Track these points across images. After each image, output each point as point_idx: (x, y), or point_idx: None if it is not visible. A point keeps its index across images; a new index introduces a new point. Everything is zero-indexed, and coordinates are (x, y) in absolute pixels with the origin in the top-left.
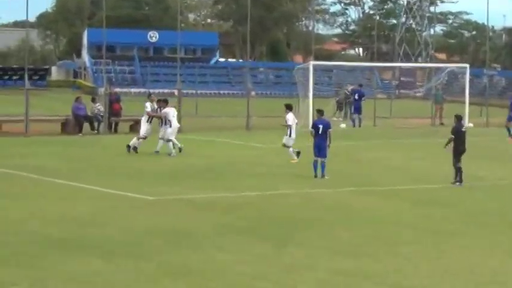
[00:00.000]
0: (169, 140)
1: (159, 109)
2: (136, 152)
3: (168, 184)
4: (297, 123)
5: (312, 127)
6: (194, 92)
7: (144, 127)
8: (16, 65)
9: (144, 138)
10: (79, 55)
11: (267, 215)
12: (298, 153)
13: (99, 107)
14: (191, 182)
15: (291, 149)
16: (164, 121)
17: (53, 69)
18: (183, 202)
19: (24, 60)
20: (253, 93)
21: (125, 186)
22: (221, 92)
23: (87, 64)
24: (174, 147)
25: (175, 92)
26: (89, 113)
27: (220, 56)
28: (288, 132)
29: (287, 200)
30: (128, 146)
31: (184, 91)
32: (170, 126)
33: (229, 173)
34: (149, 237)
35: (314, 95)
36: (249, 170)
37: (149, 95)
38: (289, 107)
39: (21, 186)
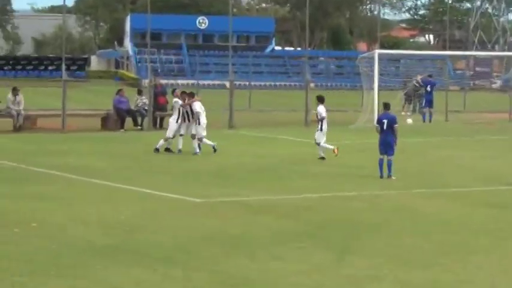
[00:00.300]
0: (201, 139)
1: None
2: (171, 152)
3: (217, 185)
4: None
5: (377, 122)
6: (247, 83)
7: (173, 127)
8: (52, 54)
9: (172, 138)
10: (121, 43)
11: (328, 220)
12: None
13: (144, 100)
14: (243, 182)
15: (324, 145)
16: (188, 116)
17: (93, 58)
18: (235, 205)
19: (61, 49)
20: (312, 84)
21: (170, 187)
22: (277, 83)
23: (130, 53)
24: (199, 147)
25: (227, 83)
26: (132, 107)
27: (276, 44)
28: (319, 127)
29: (350, 204)
30: (156, 149)
31: (237, 82)
32: (199, 123)
33: (286, 172)
34: (199, 244)
35: (379, 87)
36: (308, 169)
37: (173, 91)
38: (320, 99)
39: (60, 187)
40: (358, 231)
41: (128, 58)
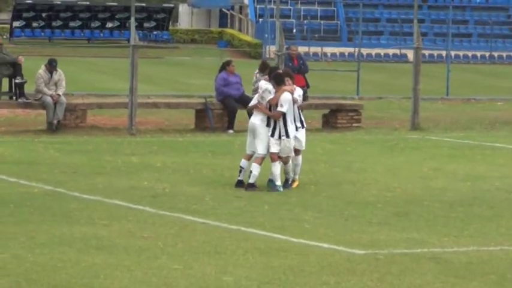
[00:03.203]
0: (287, 161)
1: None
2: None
3: (388, 225)
4: None
5: None
6: (444, 53)
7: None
8: (115, 2)
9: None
10: None
11: None
12: None
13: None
14: (432, 222)
15: None
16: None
17: (182, 9)
18: (419, 260)
19: None
20: None
21: (312, 229)
22: (493, 53)
23: (246, 1)
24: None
25: (410, 53)
26: (252, 93)
27: None
28: None
29: None
30: (251, 185)
31: (426, 52)
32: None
33: (507, 207)
34: None
35: None
36: None
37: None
38: None
39: (130, 228)
40: None
41: (241, 10)
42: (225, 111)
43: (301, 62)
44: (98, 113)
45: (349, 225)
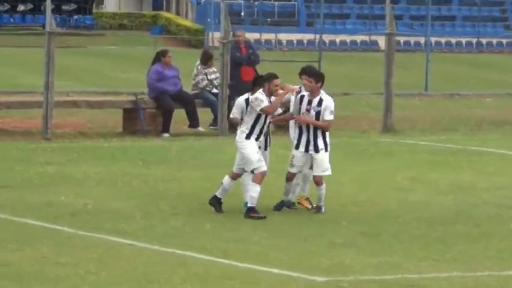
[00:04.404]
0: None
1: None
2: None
3: (356, 247)
4: None
5: None
6: (422, 40)
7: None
8: None
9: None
10: None
11: None
12: None
13: (215, 75)
14: (405, 244)
15: None
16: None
17: None
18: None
19: None
20: None
21: (265, 254)
22: (482, 40)
23: None
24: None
25: (381, 40)
26: (192, 89)
27: None
28: None
29: None
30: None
31: (401, 39)
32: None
33: (498, 225)
34: None
35: None
36: None
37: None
38: None
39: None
40: None
41: None
42: (160, 110)
43: (251, 51)
44: (6, 114)
45: (307, 247)
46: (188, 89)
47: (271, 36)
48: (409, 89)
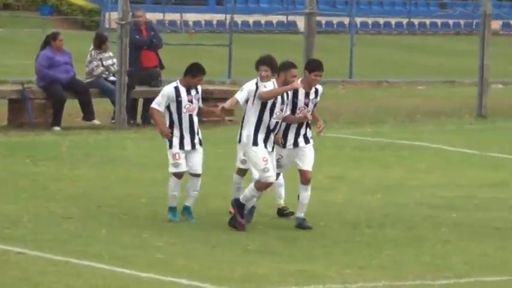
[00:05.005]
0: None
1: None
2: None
3: (274, 254)
4: None
5: None
6: (346, 22)
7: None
8: None
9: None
10: None
11: None
12: None
13: (110, 61)
14: (327, 249)
15: None
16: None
17: None
18: None
19: None
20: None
21: (170, 262)
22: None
23: None
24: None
25: (299, 21)
26: (86, 77)
27: None
28: None
29: None
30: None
31: (323, 19)
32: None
33: (427, 228)
34: None
35: None
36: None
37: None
38: None
39: None
40: None
41: None
42: (50, 101)
43: (153, 33)
44: None
45: (218, 254)
46: (82, 76)
47: (176, 16)
48: (332, 76)
